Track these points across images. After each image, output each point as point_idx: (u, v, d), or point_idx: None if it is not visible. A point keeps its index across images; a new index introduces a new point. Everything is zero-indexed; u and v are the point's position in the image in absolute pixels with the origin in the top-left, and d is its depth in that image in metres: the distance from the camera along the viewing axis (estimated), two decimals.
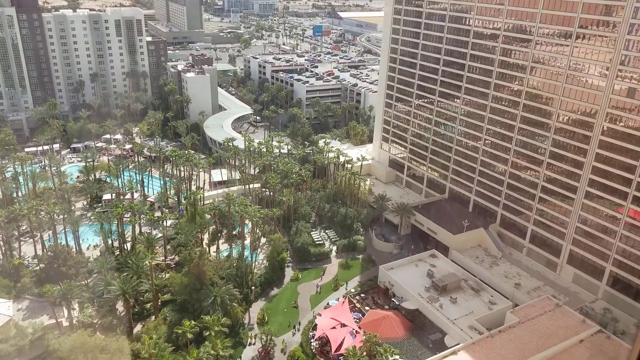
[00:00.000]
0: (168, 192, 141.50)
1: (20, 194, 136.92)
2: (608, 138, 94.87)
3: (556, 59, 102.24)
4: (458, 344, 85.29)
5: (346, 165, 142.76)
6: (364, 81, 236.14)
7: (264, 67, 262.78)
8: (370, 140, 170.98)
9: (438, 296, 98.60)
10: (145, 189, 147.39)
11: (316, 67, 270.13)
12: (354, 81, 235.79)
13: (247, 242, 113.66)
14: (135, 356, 72.28)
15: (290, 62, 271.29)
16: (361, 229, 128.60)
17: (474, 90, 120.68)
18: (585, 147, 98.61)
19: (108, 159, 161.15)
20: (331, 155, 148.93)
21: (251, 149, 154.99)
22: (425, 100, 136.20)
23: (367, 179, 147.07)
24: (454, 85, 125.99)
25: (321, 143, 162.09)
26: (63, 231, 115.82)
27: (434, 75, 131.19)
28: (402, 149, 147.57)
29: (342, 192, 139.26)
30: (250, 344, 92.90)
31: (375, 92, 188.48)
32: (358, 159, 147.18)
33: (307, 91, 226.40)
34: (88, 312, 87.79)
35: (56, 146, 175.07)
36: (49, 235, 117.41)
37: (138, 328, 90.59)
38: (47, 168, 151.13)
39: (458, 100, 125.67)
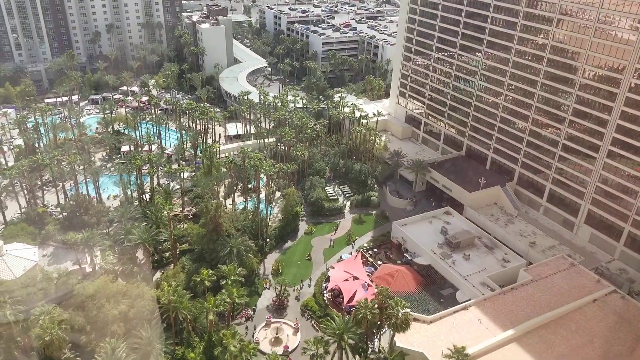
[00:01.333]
0: (185, 145, 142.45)
1: (41, 144, 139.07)
2: (635, 95, 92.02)
3: (585, 11, 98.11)
4: (469, 299, 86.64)
5: (362, 120, 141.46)
6: (382, 33, 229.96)
7: (280, 18, 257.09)
8: (387, 95, 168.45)
9: (451, 253, 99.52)
10: (163, 141, 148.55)
11: (333, 18, 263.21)
12: (371, 33, 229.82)
13: (262, 195, 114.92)
14: (155, 302, 74.91)
15: (307, 13, 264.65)
16: (375, 185, 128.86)
17: (496, 44, 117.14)
18: (611, 105, 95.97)
19: (125, 111, 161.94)
20: (346, 110, 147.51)
21: (266, 102, 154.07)
22: (445, 54, 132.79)
23: (383, 134, 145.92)
24: (475, 38, 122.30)
25: (337, 97, 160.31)
26: (84, 181, 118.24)
27: (455, 27, 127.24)
28: (420, 104, 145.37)
29: (357, 147, 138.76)
30: (265, 289, 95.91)
31: (394, 44, 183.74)
32: (374, 114, 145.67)
33: (323, 44, 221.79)
34: (110, 259, 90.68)
35: (75, 97, 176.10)
36: (70, 185, 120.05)
37: (157, 275, 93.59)
38: (66, 119, 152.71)
39: (479, 54, 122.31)
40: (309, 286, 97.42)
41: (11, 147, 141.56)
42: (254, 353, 69.82)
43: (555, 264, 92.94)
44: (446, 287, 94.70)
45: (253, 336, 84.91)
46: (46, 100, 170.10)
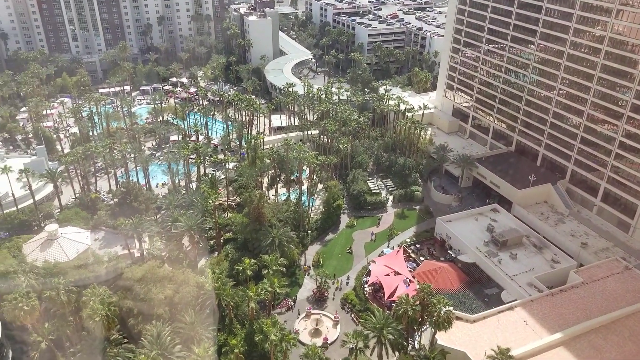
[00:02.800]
0: (230, 136, 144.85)
1: (95, 132, 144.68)
2: None
3: None
4: (515, 300, 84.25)
5: (407, 113, 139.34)
6: (430, 24, 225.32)
7: (326, 9, 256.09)
8: (434, 88, 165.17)
9: (497, 251, 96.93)
10: (209, 131, 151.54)
11: (380, 9, 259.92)
12: (419, 24, 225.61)
13: (305, 187, 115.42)
14: (199, 288, 76.73)
15: (353, 5, 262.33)
16: (419, 180, 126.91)
17: (550, 36, 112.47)
18: None
19: (175, 102, 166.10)
20: (391, 102, 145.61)
21: (310, 94, 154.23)
22: (496, 46, 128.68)
23: (429, 128, 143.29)
24: (528, 30, 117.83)
25: (382, 90, 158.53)
26: (134, 169, 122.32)
27: (507, 18, 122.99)
28: (468, 97, 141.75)
29: (402, 141, 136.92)
30: (306, 274, 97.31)
31: (442, 36, 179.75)
32: (420, 107, 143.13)
33: (369, 35, 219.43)
34: (157, 245, 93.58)
35: (127, 88, 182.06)
36: (121, 172, 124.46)
37: (202, 262, 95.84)
38: (119, 109, 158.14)
39: (532, 46, 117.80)
40: (348, 280, 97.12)
41: (67, 134, 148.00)
42: (293, 343, 70.44)
43: (608, 266, 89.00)
44: (491, 287, 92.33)
45: (293, 326, 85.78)
46: (100, 90, 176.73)
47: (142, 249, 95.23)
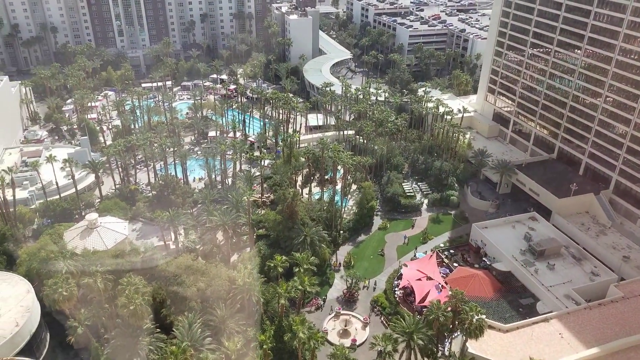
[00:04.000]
0: (267, 133, 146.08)
1: (137, 125, 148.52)
2: None
3: None
4: (551, 311, 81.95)
5: (445, 116, 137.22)
6: (473, 27, 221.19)
7: (367, 9, 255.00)
8: (474, 91, 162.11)
9: (534, 261, 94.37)
10: (247, 128, 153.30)
11: (422, 10, 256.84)
12: (461, 26, 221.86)
13: (338, 187, 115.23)
14: (231, 282, 77.68)
15: (395, 5, 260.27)
16: (456, 184, 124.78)
17: (598, 41, 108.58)
18: None
19: (214, 98, 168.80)
20: (430, 105, 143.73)
21: (348, 94, 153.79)
22: (541, 50, 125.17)
23: (467, 132, 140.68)
24: (575, 34, 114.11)
25: (420, 92, 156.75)
26: (173, 163, 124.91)
27: (553, 22, 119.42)
28: (510, 102, 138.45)
29: (439, 144, 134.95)
30: (335, 269, 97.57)
31: (485, 39, 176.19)
32: (459, 110, 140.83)
33: (410, 36, 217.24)
34: (192, 238, 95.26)
35: (168, 83, 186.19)
36: (160, 166, 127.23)
37: (235, 257, 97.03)
38: (160, 103, 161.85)
39: (579, 51, 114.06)
40: (375, 285, 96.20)
41: (110, 127, 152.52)
42: (322, 342, 70.41)
43: None
44: (526, 297, 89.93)
45: (322, 325, 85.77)
46: (143, 85, 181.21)
47: (177, 242, 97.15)
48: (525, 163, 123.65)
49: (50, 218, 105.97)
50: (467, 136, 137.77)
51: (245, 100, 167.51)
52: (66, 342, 73.82)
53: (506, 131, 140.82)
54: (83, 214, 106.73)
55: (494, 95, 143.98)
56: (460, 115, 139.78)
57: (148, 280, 78.38)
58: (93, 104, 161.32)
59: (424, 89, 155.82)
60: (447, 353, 75.38)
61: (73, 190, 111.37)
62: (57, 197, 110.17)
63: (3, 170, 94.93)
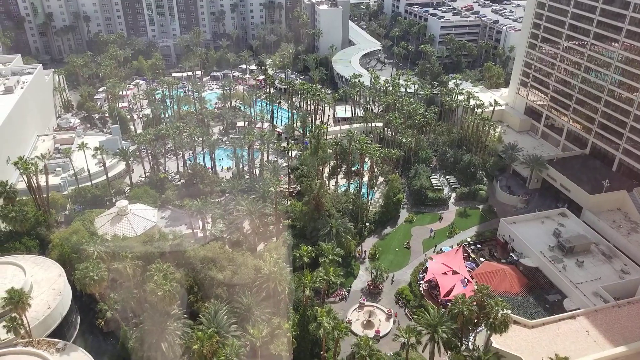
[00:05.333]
0: (295, 124, 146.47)
1: (166, 115, 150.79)
2: None
3: None
4: (578, 308, 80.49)
5: (476, 109, 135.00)
6: (507, 18, 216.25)
7: (398, 0, 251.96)
8: (506, 84, 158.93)
9: (562, 257, 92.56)
10: (274, 119, 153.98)
11: (454, 0, 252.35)
12: (495, 17, 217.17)
13: (365, 179, 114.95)
14: (257, 271, 78.63)
15: None
16: (485, 179, 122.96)
17: (637, 34, 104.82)
18: None
19: (243, 89, 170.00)
20: (460, 97, 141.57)
21: (377, 86, 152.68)
22: (577, 42, 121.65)
23: (498, 125, 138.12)
24: (613, 27, 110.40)
25: (451, 84, 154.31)
26: (201, 152, 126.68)
27: (590, 13, 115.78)
28: (542, 95, 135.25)
29: (469, 137, 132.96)
30: (358, 254, 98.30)
31: (519, 30, 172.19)
32: (490, 103, 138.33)
33: (441, 27, 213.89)
34: (219, 227, 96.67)
35: (198, 73, 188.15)
36: (189, 155, 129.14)
37: (261, 247, 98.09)
38: (189, 93, 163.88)
39: (616, 45, 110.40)
40: (393, 278, 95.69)
41: (140, 115, 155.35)
42: (345, 332, 70.78)
43: None
44: (553, 293, 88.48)
45: (346, 316, 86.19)
46: (173, 74, 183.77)
47: (205, 230, 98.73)
48: (557, 158, 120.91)
49: (82, 204, 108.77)
50: (498, 130, 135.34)
51: (273, 91, 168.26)
52: (96, 326, 76.22)
53: (538, 125, 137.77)
54: (114, 200, 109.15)
55: (527, 88, 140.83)
56: (491, 108, 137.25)
57: (176, 267, 79.96)
58: (124, 93, 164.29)
59: (454, 81, 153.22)
60: (470, 347, 74.85)
61: (104, 177, 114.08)
62: (89, 184, 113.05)
63: (37, 156, 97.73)
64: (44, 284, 76.54)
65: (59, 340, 69.22)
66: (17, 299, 64.51)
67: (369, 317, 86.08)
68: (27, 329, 67.07)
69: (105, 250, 79.18)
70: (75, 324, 78.88)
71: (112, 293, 77.42)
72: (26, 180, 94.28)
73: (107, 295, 76.26)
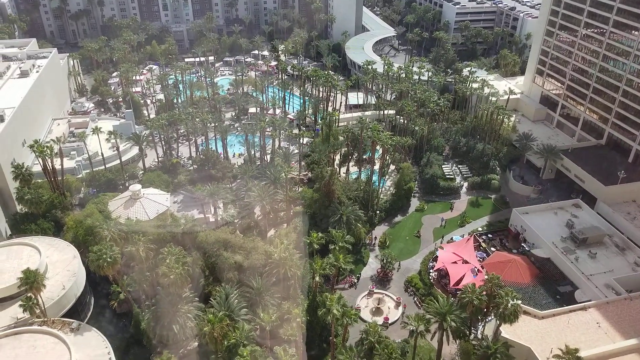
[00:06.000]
0: (306, 111, 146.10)
1: (179, 100, 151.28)
2: None
3: None
4: (590, 300, 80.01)
5: (490, 97, 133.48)
6: (524, 5, 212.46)
7: None
8: (522, 73, 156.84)
9: (575, 248, 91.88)
10: (286, 106, 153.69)
11: None
12: (512, 4, 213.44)
13: (376, 167, 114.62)
14: (267, 257, 79.19)
15: None
16: (498, 168, 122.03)
17: None
18: None
19: (255, 74, 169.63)
20: (475, 85, 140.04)
21: (390, 73, 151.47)
22: (595, 30, 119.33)
23: (513, 114, 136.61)
24: (633, 15, 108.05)
25: (465, 72, 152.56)
26: (214, 138, 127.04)
27: (610, 0, 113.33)
28: (559, 84, 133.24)
29: (482, 126, 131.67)
30: (369, 240, 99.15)
31: (536, 17, 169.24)
32: (505, 92, 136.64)
33: (456, 13, 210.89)
34: (231, 212, 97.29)
35: (211, 58, 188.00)
36: (201, 140, 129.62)
37: (271, 233, 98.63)
38: (202, 78, 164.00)
39: (636, 33, 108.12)
40: (399, 266, 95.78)
41: (154, 100, 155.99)
42: (354, 319, 71.21)
43: None
44: (564, 284, 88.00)
45: (355, 303, 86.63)
46: (186, 60, 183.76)
47: (216, 215, 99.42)
48: (572, 148, 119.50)
49: (96, 187, 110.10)
50: (512, 119, 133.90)
51: (285, 77, 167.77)
52: (109, 307, 77.51)
53: (553, 115, 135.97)
54: (127, 184, 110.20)
55: (543, 77, 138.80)
56: (506, 97, 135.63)
57: (188, 251, 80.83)
58: (137, 78, 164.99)
59: (469, 68, 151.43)
60: (479, 336, 74.94)
61: (117, 161, 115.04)
62: (103, 167, 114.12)
63: (52, 140, 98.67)
64: (59, 265, 77.83)
65: (73, 320, 70.51)
66: (33, 280, 65.71)
67: (378, 305, 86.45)
68: (42, 308, 68.40)
69: (118, 233, 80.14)
70: (89, 304, 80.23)
71: (125, 275, 78.62)
72: (41, 163, 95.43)
73: (120, 277, 77.44)
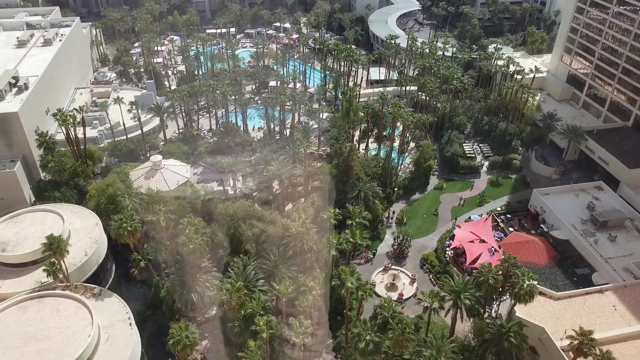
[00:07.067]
0: (327, 86, 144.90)
1: (200, 72, 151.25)
2: None
3: None
4: (607, 283, 79.31)
5: (515, 75, 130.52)
6: None
7: None
8: (549, 50, 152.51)
9: (595, 231, 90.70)
10: (307, 80, 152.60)
11: None
12: None
13: (396, 144, 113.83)
14: (285, 230, 79.96)
15: None
16: (520, 148, 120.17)
17: None
18: None
19: (276, 47, 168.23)
20: (500, 63, 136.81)
21: (413, 48, 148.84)
22: (628, 8, 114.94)
23: (538, 93, 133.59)
24: None
25: (491, 48, 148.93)
26: (234, 111, 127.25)
27: None
28: (587, 63, 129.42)
29: (506, 105, 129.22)
30: (388, 213, 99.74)
31: None
32: (531, 70, 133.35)
33: None
34: (249, 185, 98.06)
35: (232, 30, 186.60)
36: (222, 113, 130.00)
37: (289, 207, 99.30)
38: (223, 50, 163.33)
39: None
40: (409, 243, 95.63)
41: (175, 72, 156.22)
42: (369, 293, 71.88)
43: None
44: (582, 267, 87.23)
45: (370, 278, 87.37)
46: (207, 31, 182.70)
47: (235, 187, 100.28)
48: (597, 129, 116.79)
49: (117, 157, 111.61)
50: (537, 98, 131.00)
51: (307, 50, 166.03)
52: (130, 274, 79.46)
53: (580, 94, 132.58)
54: (148, 155, 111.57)
55: (571, 55, 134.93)
56: (531, 75, 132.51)
57: (207, 222, 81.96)
58: (159, 48, 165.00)
59: (494, 45, 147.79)
60: (493, 315, 75.16)
61: (139, 132, 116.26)
62: (124, 137, 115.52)
63: (74, 109, 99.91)
64: (82, 232, 79.68)
65: (95, 286, 72.47)
66: (56, 246, 67.48)
67: (393, 280, 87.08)
68: (65, 273, 70.43)
69: (139, 203, 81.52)
70: (110, 271, 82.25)
71: (145, 244, 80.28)
72: (64, 132, 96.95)
73: (141, 245, 79.12)
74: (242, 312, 65.75)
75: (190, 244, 71.70)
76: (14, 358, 60.10)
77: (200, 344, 72.97)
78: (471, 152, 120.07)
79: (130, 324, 66.68)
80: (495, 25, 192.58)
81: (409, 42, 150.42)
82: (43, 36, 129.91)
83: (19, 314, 65.90)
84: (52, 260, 68.45)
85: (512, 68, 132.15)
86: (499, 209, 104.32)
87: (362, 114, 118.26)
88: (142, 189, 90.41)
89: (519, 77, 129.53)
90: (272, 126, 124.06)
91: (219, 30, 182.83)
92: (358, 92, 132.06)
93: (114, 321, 66.90)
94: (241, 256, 76.58)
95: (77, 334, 62.93)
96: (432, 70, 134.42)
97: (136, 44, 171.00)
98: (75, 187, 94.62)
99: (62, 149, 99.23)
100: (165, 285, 75.35)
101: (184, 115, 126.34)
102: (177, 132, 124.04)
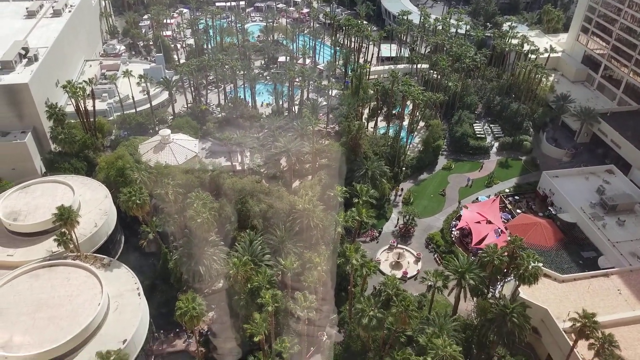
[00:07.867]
0: (337, 62, 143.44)
1: (209, 46, 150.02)
2: None
3: None
4: (613, 267, 79.30)
5: (530, 55, 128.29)
6: None
7: None
8: (565, 30, 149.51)
9: (603, 215, 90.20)
10: (317, 56, 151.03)
11: None
12: None
13: (405, 123, 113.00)
14: (291, 207, 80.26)
15: None
16: (531, 129, 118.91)
17: None
18: None
19: (286, 22, 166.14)
20: (514, 41, 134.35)
21: (426, 25, 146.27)
22: None
23: (552, 74, 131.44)
24: None
25: (505, 26, 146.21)
26: (242, 86, 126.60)
27: None
28: (603, 43, 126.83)
29: (519, 85, 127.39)
30: (396, 191, 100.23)
31: None
32: (546, 49, 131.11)
33: None
34: (257, 161, 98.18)
35: (242, 3, 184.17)
36: (230, 88, 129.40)
37: (296, 184, 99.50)
38: (233, 24, 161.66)
39: None
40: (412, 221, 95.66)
41: (184, 45, 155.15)
42: (374, 271, 72.39)
43: None
44: (588, 250, 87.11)
45: (375, 256, 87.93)
46: (217, 4, 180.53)
47: (243, 163, 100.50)
48: (611, 112, 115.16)
49: (127, 130, 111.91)
50: (551, 78, 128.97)
51: (317, 25, 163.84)
52: (139, 246, 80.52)
53: (595, 76, 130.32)
54: (157, 129, 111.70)
55: (587, 35, 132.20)
56: (546, 55, 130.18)
57: (215, 196, 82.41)
58: (168, 21, 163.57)
59: (509, 23, 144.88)
60: (497, 295, 75.52)
61: (148, 105, 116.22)
62: (133, 111, 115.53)
63: (84, 81, 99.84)
64: (91, 204, 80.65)
65: (104, 257, 73.73)
66: (67, 216, 68.38)
67: (398, 259, 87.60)
68: (76, 243, 71.53)
69: (148, 176, 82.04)
70: (119, 243, 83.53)
71: (154, 217, 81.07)
72: (74, 104, 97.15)
73: (149, 218, 79.93)
74: (249, 285, 66.62)
75: (198, 218, 72.25)
76: (27, 324, 61.78)
77: (206, 315, 74.27)
78: (481, 132, 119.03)
79: (139, 294, 68.00)
80: (510, 3, 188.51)
81: (422, 18, 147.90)
82: (52, 7, 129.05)
83: (31, 281, 67.37)
84: (63, 230, 69.46)
85: (526, 47, 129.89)
86: (507, 190, 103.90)
87: (372, 91, 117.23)
88: (150, 163, 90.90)
89: (533, 56, 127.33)
90: (281, 102, 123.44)
91: (228, 4, 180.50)
92: (368, 69, 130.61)
93: (123, 291, 68.23)
94: (248, 231, 77.17)
95: (87, 302, 64.36)
96: (445, 48, 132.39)
97: (145, 17, 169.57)
98: (85, 159, 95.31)
99: (72, 121, 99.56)
100: (174, 257, 76.35)
101: (192, 89, 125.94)
102: (186, 106, 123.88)
